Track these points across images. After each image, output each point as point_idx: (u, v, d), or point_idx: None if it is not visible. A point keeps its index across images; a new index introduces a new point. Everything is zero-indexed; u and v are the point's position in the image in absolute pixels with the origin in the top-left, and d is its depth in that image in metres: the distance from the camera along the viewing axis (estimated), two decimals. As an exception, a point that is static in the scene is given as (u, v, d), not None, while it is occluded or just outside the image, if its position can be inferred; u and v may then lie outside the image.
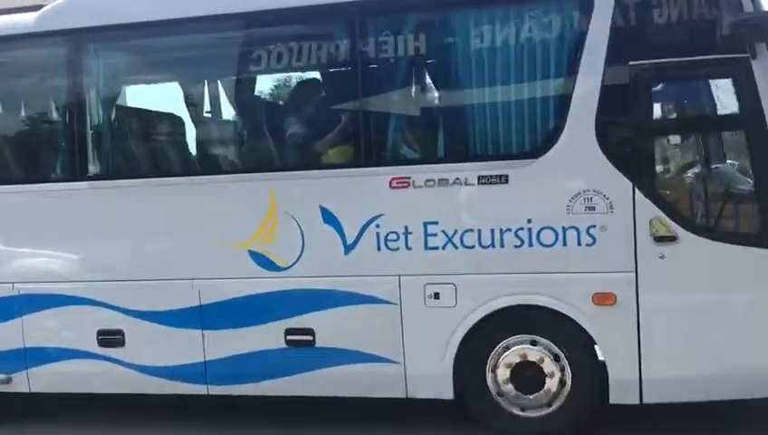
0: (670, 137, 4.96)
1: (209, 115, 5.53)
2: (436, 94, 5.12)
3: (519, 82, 4.75)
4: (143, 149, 5.60)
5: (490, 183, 4.76)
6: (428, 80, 5.12)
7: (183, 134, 5.54)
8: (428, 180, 4.84)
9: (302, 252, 5.06)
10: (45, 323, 5.51)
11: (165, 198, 5.28)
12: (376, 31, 4.93)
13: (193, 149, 5.46)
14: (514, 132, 4.81)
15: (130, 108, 5.67)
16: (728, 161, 5.12)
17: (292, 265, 5.09)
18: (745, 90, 4.37)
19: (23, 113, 5.93)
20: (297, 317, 5.13)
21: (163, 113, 5.64)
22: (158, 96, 5.60)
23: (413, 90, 5.14)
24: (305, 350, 5.12)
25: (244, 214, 5.14)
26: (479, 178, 4.77)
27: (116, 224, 5.35)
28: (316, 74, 5.22)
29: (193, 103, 5.61)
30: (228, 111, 5.57)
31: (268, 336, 5.15)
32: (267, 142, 5.27)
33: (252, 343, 5.19)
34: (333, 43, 5.06)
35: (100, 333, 5.44)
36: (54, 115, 5.56)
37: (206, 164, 5.50)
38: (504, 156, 4.80)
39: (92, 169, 5.48)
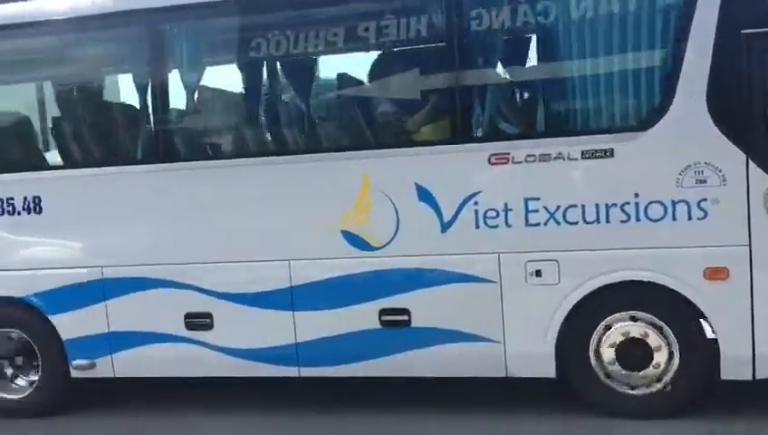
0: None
1: (300, 94, 5.39)
2: (538, 66, 4.97)
3: (625, 53, 4.62)
4: (233, 130, 5.50)
5: (594, 157, 4.64)
6: (530, 51, 4.97)
7: (275, 114, 5.41)
8: (529, 156, 4.72)
9: (396, 231, 4.97)
10: (131, 307, 5.44)
11: (254, 178, 5.19)
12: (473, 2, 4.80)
13: (285, 129, 5.32)
14: (620, 105, 4.69)
15: (215, 89, 5.55)
16: None
17: (386, 245, 5.00)
18: None
19: (107, 96, 5.85)
20: (392, 297, 5.04)
21: (251, 93, 5.52)
22: (248, 75, 5.47)
23: (513, 62, 5.01)
24: (401, 330, 5.04)
25: (337, 194, 5.05)
26: (582, 152, 4.65)
27: (204, 206, 5.27)
28: (410, 49, 5.07)
29: (284, 82, 5.51)
30: (319, 90, 5.44)
31: (362, 317, 5.07)
32: (360, 120, 5.15)
33: (345, 324, 5.11)
34: (427, 16, 4.92)
35: (187, 316, 5.37)
36: (138, 97, 5.44)
37: (298, 144, 5.38)
38: (609, 129, 4.68)
39: (180, 150, 5.40)
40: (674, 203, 4.54)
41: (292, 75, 5.46)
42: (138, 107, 5.47)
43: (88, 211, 5.44)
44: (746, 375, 4.59)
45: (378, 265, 5.03)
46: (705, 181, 4.49)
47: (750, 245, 4.47)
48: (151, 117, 5.41)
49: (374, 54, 5.25)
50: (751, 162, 4.41)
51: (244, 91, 5.53)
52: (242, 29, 5.32)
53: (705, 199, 4.49)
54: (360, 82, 5.32)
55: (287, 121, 5.34)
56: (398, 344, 5.07)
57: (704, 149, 4.48)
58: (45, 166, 5.84)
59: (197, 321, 5.36)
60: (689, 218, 4.53)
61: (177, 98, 5.41)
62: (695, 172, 4.49)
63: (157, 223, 5.36)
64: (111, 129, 5.67)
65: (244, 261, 5.26)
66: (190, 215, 5.30)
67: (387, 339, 5.07)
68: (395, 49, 5.12)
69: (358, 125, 5.15)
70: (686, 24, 4.46)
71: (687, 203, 4.52)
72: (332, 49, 5.20)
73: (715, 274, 4.53)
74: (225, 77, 5.48)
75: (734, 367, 4.59)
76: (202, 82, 5.49)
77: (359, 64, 5.20)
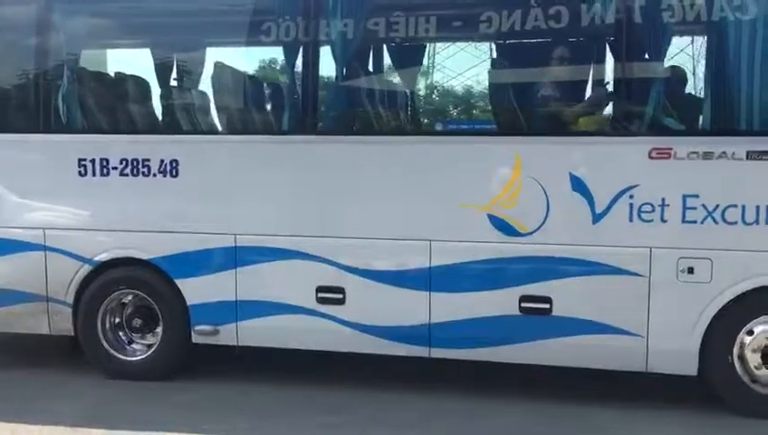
0: None
1: (451, 74, 5.39)
2: (704, 63, 4.96)
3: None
4: (384, 107, 5.49)
5: (761, 159, 4.64)
6: (698, 47, 4.96)
7: (426, 92, 5.40)
8: (692, 153, 4.72)
9: (545, 219, 4.96)
10: (262, 277, 5.44)
11: (402, 156, 5.18)
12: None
13: (434, 108, 5.32)
14: (790, 108, 4.68)
15: (370, 64, 5.53)
16: None
17: (533, 232, 5.00)
18: None
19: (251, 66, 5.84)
20: (534, 284, 5.04)
21: (406, 72, 5.51)
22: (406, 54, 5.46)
23: (678, 57, 5.00)
24: (540, 318, 5.04)
25: (486, 176, 5.05)
26: (748, 153, 4.64)
27: (349, 181, 5.25)
28: (573, 37, 5.06)
29: (434, 62, 5.50)
30: (476, 72, 5.44)
31: (500, 302, 5.07)
32: (518, 105, 5.14)
33: (482, 308, 5.11)
34: (592, 5, 4.90)
35: (319, 289, 5.37)
36: (285, 68, 5.43)
37: (448, 123, 5.38)
38: (777, 131, 4.68)
39: (328, 123, 5.38)
40: None
41: (450, 56, 5.45)
42: (280, 78, 5.45)
43: (225, 178, 5.43)
44: None
45: (522, 251, 5.03)
46: None
47: None
48: (299, 89, 5.39)
49: (540, 40, 5.22)
50: None
51: (399, 70, 5.51)
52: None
53: None
54: (524, 67, 5.29)
55: (441, 101, 5.31)
56: (536, 332, 5.07)
57: None
58: (186, 130, 5.81)
59: (330, 295, 5.35)
60: None
61: (321, 72, 5.39)
62: None
63: (296, 194, 5.35)
64: (259, 98, 5.65)
65: (384, 238, 5.25)
66: (333, 188, 5.29)
67: (525, 326, 5.07)
68: (562, 36, 5.09)
69: (516, 109, 5.14)
70: None
71: None
72: (492, 33, 5.18)
73: None
74: (385, 56, 5.45)
75: None
76: (354, 56, 5.47)
77: (524, 49, 5.17)
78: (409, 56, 5.49)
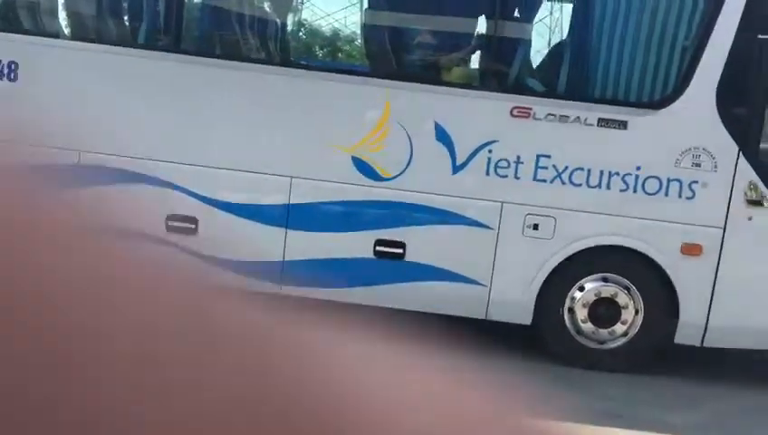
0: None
1: (329, 11, 5.24)
2: (569, 31, 5.18)
3: (655, 38, 4.94)
4: (251, 32, 5.24)
5: (609, 127, 4.95)
6: (565, 15, 5.16)
7: (299, 26, 5.22)
8: (550, 114, 4.95)
9: (408, 165, 5.03)
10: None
11: (269, 87, 5.01)
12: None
13: (306, 42, 5.16)
14: (641, 83, 5.01)
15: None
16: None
17: (394, 177, 5.06)
18: None
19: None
20: (390, 229, 5.12)
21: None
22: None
23: (549, 23, 5.18)
24: (392, 262, 5.14)
25: (354, 118, 5.01)
26: (599, 120, 4.94)
27: (207, 106, 5.01)
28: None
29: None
30: (353, 12, 5.32)
31: (356, 245, 5.11)
32: (391, 49, 5.11)
33: (337, 249, 5.13)
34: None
35: (169, 218, 5.11)
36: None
37: (319, 60, 5.25)
38: (627, 103, 5.00)
39: (186, 41, 5.07)
40: (669, 180, 4.97)
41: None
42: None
43: (71, 87, 4.96)
44: (696, 342, 5.17)
45: (382, 195, 5.08)
46: (699, 165, 4.95)
47: (725, 229, 5.00)
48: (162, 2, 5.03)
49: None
50: (741, 156, 4.91)
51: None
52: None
53: (696, 182, 4.96)
54: (399, 13, 5.25)
55: (314, 37, 5.17)
56: (389, 276, 5.17)
57: (705, 137, 4.92)
58: (29, 30, 5.24)
59: (180, 224, 5.12)
60: (679, 196, 4.98)
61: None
62: (693, 156, 4.93)
63: (152, 115, 5.02)
64: (116, 6, 5.20)
65: (243, 170, 5.09)
66: (191, 113, 5.02)
67: (379, 269, 5.16)
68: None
69: (389, 54, 5.11)
70: (711, 23, 4.84)
71: (680, 182, 4.97)
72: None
73: (691, 249, 5.04)
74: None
75: (687, 333, 5.15)
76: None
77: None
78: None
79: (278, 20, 5.32)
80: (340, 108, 5.00)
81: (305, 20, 5.27)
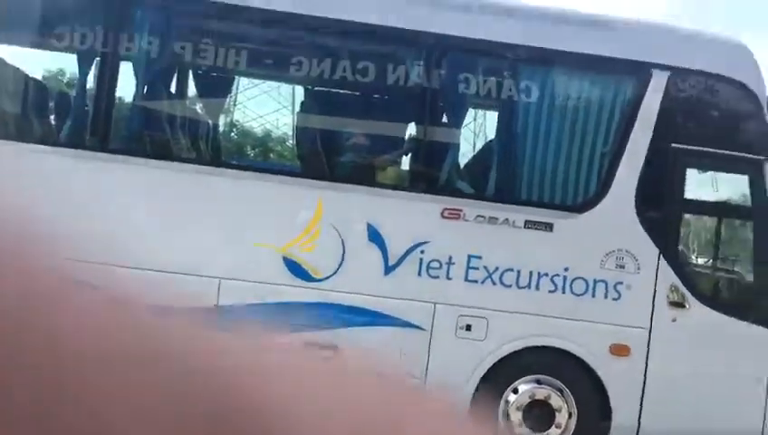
0: (695, 215, 5.64)
1: (262, 111, 5.31)
2: (496, 135, 5.38)
3: (576, 144, 5.19)
4: (182, 132, 5.22)
5: (535, 228, 5.08)
6: (492, 120, 5.37)
7: (231, 126, 5.24)
8: (479, 216, 5.05)
9: (340, 266, 4.99)
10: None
11: (198, 187, 4.96)
12: (452, 65, 5.13)
13: (237, 142, 5.18)
14: (564, 187, 5.21)
15: (169, 86, 5.26)
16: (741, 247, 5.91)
17: (326, 278, 5.00)
18: (758, 187, 5.16)
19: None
20: (321, 331, 4.98)
21: (212, 100, 5.31)
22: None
23: (478, 128, 5.38)
24: (323, 366, 4.98)
25: (286, 218, 4.98)
26: (526, 222, 5.07)
27: (136, 204, 4.89)
28: (379, 93, 5.25)
29: (244, 97, 5.38)
30: (287, 113, 5.40)
31: (285, 348, 4.95)
32: (323, 150, 5.17)
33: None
34: (405, 66, 5.15)
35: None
36: (79, 78, 5.00)
37: (250, 160, 5.25)
38: (552, 205, 5.17)
39: (115, 140, 5.00)
40: (595, 281, 5.08)
41: (261, 93, 5.37)
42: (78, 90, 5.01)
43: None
44: (631, 443, 5.15)
45: (314, 296, 4.99)
46: (623, 267, 5.09)
47: (650, 329, 5.11)
48: (90, 102, 4.98)
49: (348, 91, 5.34)
50: (662, 258, 5.09)
51: (205, 99, 5.32)
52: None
53: (622, 283, 5.09)
54: (332, 115, 5.36)
55: (246, 137, 5.19)
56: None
57: (627, 239, 5.10)
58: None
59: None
60: (605, 297, 5.09)
61: (123, 86, 5.06)
62: (617, 257, 5.09)
63: (79, 215, 4.85)
64: (42, 105, 5.11)
65: (170, 271, 4.91)
66: (119, 211, 4.87)
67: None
68: (369, 91, 5.25)
69: (321, 155, 5.17)
70: (627, 131, 5.14)
71: (606, 283, 5.09)
72: (311, 79, 5.22)
73: (619, 350, 5.10)
74: (191, 82, 5.23)
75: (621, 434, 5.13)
76: (156, 77, 5.19)
77: (332, 97, 5.25)
78: (218, 87, 5.34)
79: (210, 120, 5.34)
80: (272, 208, 4.98)
81: (237, 120, 5.30)
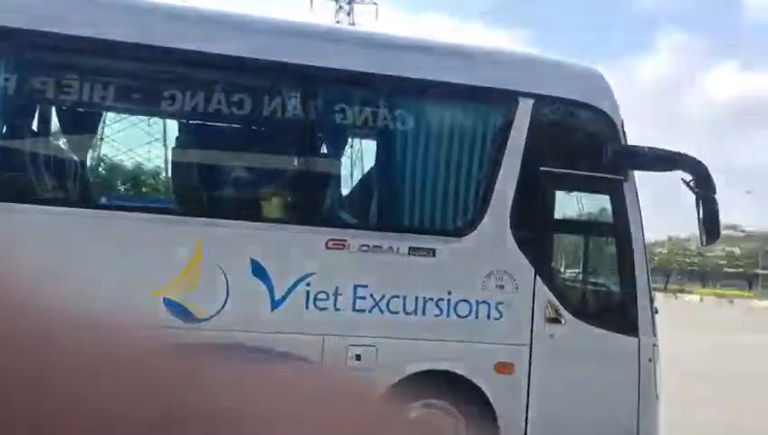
0: (565, 235, 5.94)
1: (135, 148, 5.08)
2: (379, 167, 5.44)
3: (452, 172, 5.35)
4: (47, 172, 4.89)
5: (419, 255, 5.18)
6: (375, 153, 5.43)
7: (101, 164, 4.98)
8: (363, 245, 5.08)
9: (225, 304, 4.85)
10: None
11: (67, 230, 4.66)
12: (325, 97, 5.17)
13: (108, 181, 4.93)
14: (443, 213, 5.35)
15: (30, 124, 4.93)
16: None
17: (211, 317, 4.84)
18: (618, 205, 5.54)
19: None
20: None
21: (79, 138, 5.02)
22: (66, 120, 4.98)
23: (358, 158, 5.41)
24: (212, 408, 4.80)
25: (164, 258, 4.79)
26: (410, 248, 5.16)
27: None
28: (257, 126, 5.18)
29: (112, 134, 5.12)
30: (161, 149, 5.19)
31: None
32: (200, 187, 5.02)
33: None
34: (280, 99, 5.12)
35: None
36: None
37: (123, 199, 5.00)
38: (433, 231, 5.29)
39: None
40: (478, 303, 5.24)
41: (131, 129, 5.14)
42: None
43: None
44: (519, 459, 5.31)
45: (199, 337, 4.80)
46: (503, 287, 5.29)
47: (531, 346, 5.32)
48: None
49: (223, 125, 5.23)
50: (538, 277, 5.33)
51: (70, 136, 5.02)
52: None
53: (502, 303, 5.28)
54: (208, 150, 5.22)
55: (118, 175, 4.96)
56: (207, 424, 4.80)
57: (504, 260, 5.31)
58: None
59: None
60: (488, 317, 5.25)
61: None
62: (496, 278, 5.27)
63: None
64: None
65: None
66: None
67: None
68: (246, 124, 5.18)
69: (198, 191, 5.01)
70: (499, 157, 5.37)
71: (488, 304, 5.26)
72: (185, 113, 5.06)
73: (504, 368, 5.27)
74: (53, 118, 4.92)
75: (509, 451, 5.29)
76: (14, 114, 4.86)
77: (208, 132, 5.12)
78: (84, 122, 5.07)
79: (77, 158, 5.05)
80: (149, 248, 4.76)
81: (107, 157, 5.05)
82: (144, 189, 5.14)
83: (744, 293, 56.51)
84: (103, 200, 5.00)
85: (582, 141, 5.60)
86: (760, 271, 63.45)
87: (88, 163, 5.11)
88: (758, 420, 8.40)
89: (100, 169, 5.20)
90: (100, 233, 4.72)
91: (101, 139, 5.24)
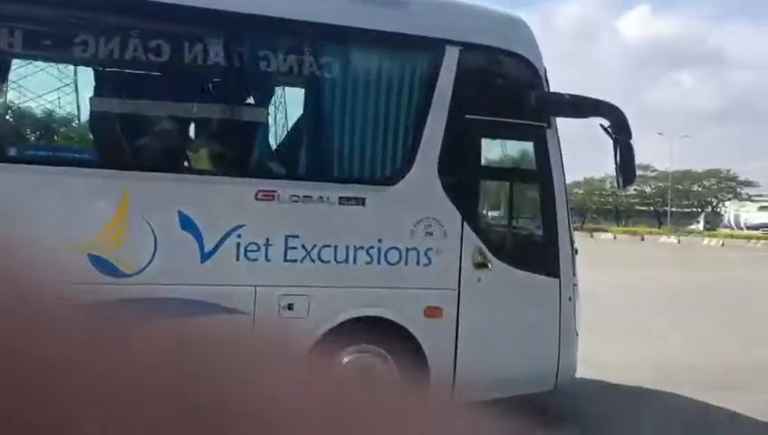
0: (490, 181, 6.06)
1: (64, 100, 4.86)
2: (305, 113, 5.38)
3: (380, 121, 5.36)
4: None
5: (349, 204, 5.21)
6: (300, 98, 5.36)
7: (12, 114, 4.74)
8: (293, 195, 5.07)
9: (153, 257, 4.78)
10: None
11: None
12: (251, 44, 5.06)
13: (22, 132, 4.71)
14: (372, 162, 5.37)
15: None
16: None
17: (139, 271, 4.76)
18: (540, 151, 5.69)
19: None
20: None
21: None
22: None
23: (287, 107, 5.34)
24: (143, 363, 4.77)
25: (88, 212, 4.66)
26: (340, 198, 5.18)
27: None
28: (179, 74, 5.02)
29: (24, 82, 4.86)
30: (80, 98, 4.97)
31: (100, 349, 4.67)
32: (125, 138, 4.86)
33: (78, 357, 4.63)
34: (205, 46, 4.98)
35: None
36: None
37: (38, 151, 4.80)
38: (362, 180, 5.31)
39: None
40: (407, 250, 5.34)
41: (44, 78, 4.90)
42: None
43: None
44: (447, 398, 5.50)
45: (127, 292, 4.71)
46: (432, 234, 5.39)
47: (459, 290, 5.47)
48: None
49: (144, 73, 5.05)
50: (465, 223, 5.46)
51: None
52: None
53: (431, 249, 5.39)
54: (132, 99, 5.03)
55: (34, 125, 4.74)
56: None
57: (432, 208, 5.40)
58: None
59: None
60: (417, 264, 5.37)
61: None
62: (425, 225, 5.37)
63: None
64: None
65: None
66: None
67: (127, 373, 4.74)
68: (168, 71, 5.02)
69: (123, 143, 4.86)
70: (427, 106, 5.40)
71: (417, 251, 5.36)
72: (103, 60, 4.85)
73: (432, 312, 5.42)
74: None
75: (439, 391, 5.47)
76: None
77: (129, 80, 4.93)
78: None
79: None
80: (71, 203, 4.61)
81: (20, 109, 4.81)
82: (65, 144, 4.95)
83: (653, 229, 59.26)
84: (16, 152, 4.78)
85: (507, 89, 5.69)
86: (669, 208, 66.56)
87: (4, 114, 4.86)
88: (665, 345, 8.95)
89: (9, 118, 4.95)
90: (18, 188, 4.53)
91: (8, 87, 4.97)
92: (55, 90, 4.96)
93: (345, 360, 5.31)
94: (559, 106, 5.69)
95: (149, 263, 4.76)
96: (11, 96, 4.96)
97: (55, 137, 5.01)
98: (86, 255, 4.63)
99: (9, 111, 5.16)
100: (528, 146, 5.84)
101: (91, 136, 5.09)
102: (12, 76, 4.97)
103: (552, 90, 5.81)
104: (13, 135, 4.87)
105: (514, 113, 5.62)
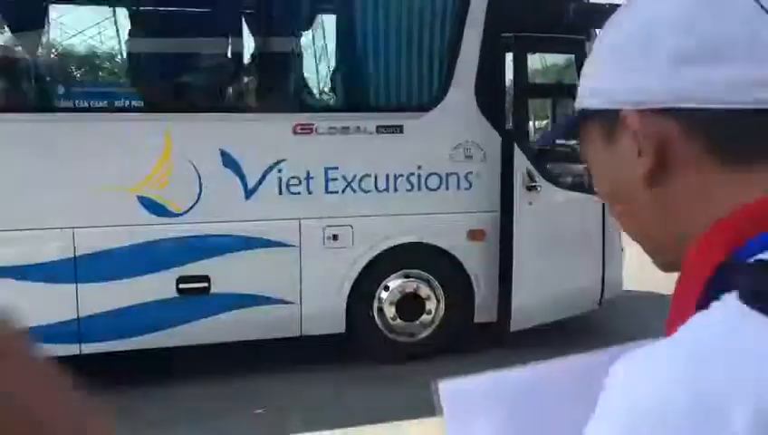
0: (532, 100, 5.96)
1: (92, 44, 4.94)
2: (339, 45, 5.35)
3: (415, 47, 5.28)
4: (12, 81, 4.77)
5: (387, 132, 5.22)
6: (335, 32, 5.32)
7: (55, 63, 4.86)
8: (331, 127, 5.10)
9: (199, 197, 4.92)
10: None
11: (31, 136, 4.63)
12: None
13: (66, 81, 4.83)
14: (409, 88, 5.33)
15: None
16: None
17: (187, 211, 4.92)
18: (582, 65, 5.53)
19: None
20: (191, 265, 4.98)
21: (26, 35, 4.85)
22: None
23: (319, 39, 5.31)
24: (198, 298, 5.00)
25: (133, 156, 4.79)
26: (377, 127, 5.19)
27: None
28: (213, 11, 5.02)
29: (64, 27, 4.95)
30: (117, 44, 5.04)
31: (157, 287, 4.91)
32: (164, 80, 4.94)
33: (136, 295, 4.88)
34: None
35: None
36: None
37: (85, 99, 4.93)
38: (399, 108, 5.30)
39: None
40: (447, 175, 5.35)
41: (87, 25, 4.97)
42: None
43: None
44: (492, 318, 5.61)
45: (177, 231, 4.91)
46: (471, 157, 5.38)
47: (503, 213, 5.47)
48: None
49: (180, 13, 5.07)
50: (512, 145, 5.40)
51: (19, 34, 4.85)
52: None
53: (471, 172, 5.39)
54: (168, 40, 5.08)
55: (76, 74, 4.85)
56: (195, 312, 5.02)
57: (471, 131, 5.36)
58: None
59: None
60: (458, 188, 5.38)
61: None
62: (464, 149, 5.36)
63: None
64: None
65: (17, 229, 4.65)
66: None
67: (182, 307, 4.98)
68: (203, 11, 5.02)
69: (163, 85, 4.94)
70: (461, 28, 5.29)
71: (457, 175, 5.37)
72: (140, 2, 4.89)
73: (475, 235, 5.47)
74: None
75: (484, 313, 5.58)
76: None
77: (165, 22, 4.97)
78: (28, 17, 4.88)
79: (27, 59, 4.92)
80: (118, 148, 4.76)
81: (59, 58, 4.91)
82: (108, 90, 5.05)
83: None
84: (64, 102, 4.91)
85: (542, 2, 5.50)
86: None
87: (45, 63, 4.96)
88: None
89: (63, 68, 5.06)
90: (67, 137, 4.69)
91: (54, 37, 5.07)
92: (96, 33, 5.02)
93: (391, 285, 5.45)
94: (599, 16, 5.48)
95: (196, 202, 4.91)
96: (55, 39, 5.05)
97: (98, 79, 5.10)
98: (136, 197, 4.80)
99: (68, 62, 5.25)
100: (570, 60, 5.68)
101: (133, 81, 5.17)
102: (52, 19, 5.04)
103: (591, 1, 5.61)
104: (68, 85, 4.97)
105: (552, 27, 5.45)
